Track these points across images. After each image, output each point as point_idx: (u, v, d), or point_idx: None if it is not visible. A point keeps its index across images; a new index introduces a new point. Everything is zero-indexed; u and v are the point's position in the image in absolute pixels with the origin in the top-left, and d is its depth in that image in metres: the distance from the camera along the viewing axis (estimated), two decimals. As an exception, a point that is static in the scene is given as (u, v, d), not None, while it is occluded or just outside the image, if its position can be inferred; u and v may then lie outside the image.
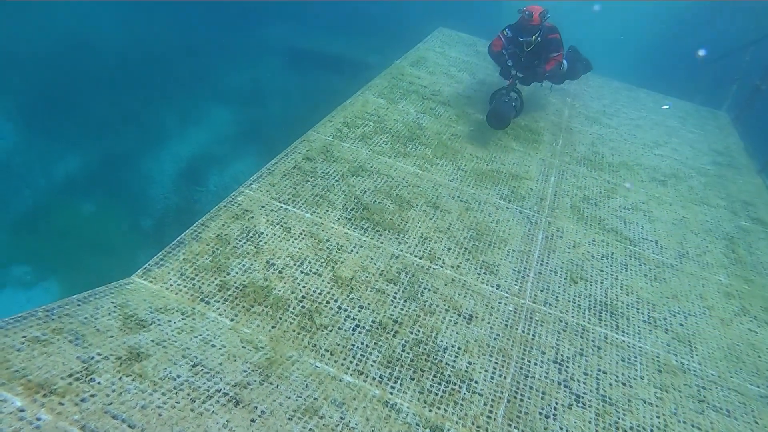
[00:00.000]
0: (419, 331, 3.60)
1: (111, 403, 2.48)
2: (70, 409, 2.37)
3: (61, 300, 3.12)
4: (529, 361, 3.61)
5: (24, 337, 2.71)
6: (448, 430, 3.04)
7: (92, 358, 2.72)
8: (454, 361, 3.47)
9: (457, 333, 3.67)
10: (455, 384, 3.33)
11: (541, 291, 4.22)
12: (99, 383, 2.57)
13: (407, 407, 3.11)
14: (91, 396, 2.48)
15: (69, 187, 7.81)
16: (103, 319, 3.05)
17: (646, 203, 5.75)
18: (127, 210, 7.73)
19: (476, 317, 3.83)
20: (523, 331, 3.83)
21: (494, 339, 3.71)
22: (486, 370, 3.48)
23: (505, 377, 3.46)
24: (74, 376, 2.56)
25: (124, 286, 3.42)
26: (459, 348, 3.57)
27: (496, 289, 4.13)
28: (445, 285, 4.02)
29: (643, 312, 4.25)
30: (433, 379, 3.32)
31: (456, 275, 4.13)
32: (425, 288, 3.94)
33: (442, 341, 3.58)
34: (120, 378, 2.65)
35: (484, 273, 4.24)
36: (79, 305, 3.11)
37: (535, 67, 6.16)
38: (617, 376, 3.66)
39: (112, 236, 7.25)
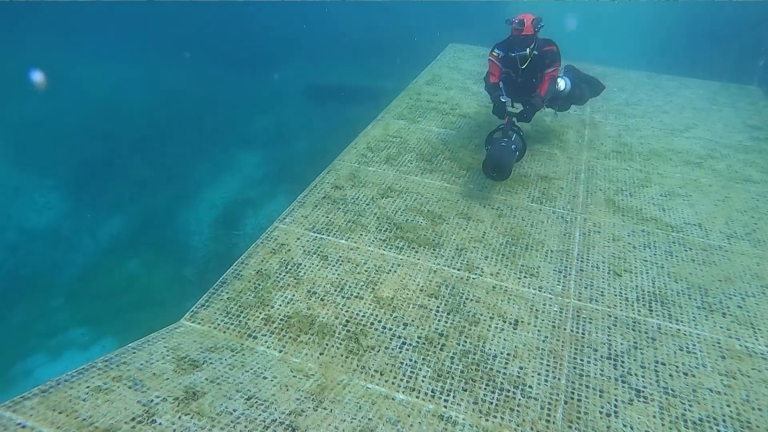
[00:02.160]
0: (466, 342, 3.58)
1: (173, 442, 2.55)
2: (135, 451, 2.45)
3: (117, 349, 3.24)
4: (581, 360, 3.54)
5: (87, 387, 2.83)
6: (507, 437, 2.99)
7: (151, 401, 2.81)
8: (505, 368, 3.43)
9: (504, 339, 3.63)
10: (509, 391, 3.28)
11: (585, 288, 4.15)
12: (160, 424, 2.66)
13: (463, 419, 3.08)
14: (154, 437, 2.56)
15: (115, 247, 8.13)
16: (158, 363, 3.16)
17: (684, 188, 5.61)
18: (170, 262, 7.98)
19: (522, 321, 3.79)
20: (572, 330, 3.75)
21: (543, 341, 3.65)
22: (539, 374, 3.42)
23: (559, 379, 3.39)
24: (137, 420, 2.65)
25: (174, 330, 3.53)
26: (508, 354, 3.53)
27: (539, 291, 4.08)
28: (487, 293, 3.99)
29: (695, 298, 4.12)
30: (485, 388, 3.28)
31: (496, 282, 4.11)
32: (467, 298, 3.93)
33: (490, 349, 3.55)
34: (179, 417, 2.73)
35: (525, 276, 4.19)
36: (134, 353, 3.23)
37: (533, 89, 5.28)
38: (677, 367, 3.54)
39: (159, 289, 7.48)
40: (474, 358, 3.47)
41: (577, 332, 3.74)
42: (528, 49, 5.06)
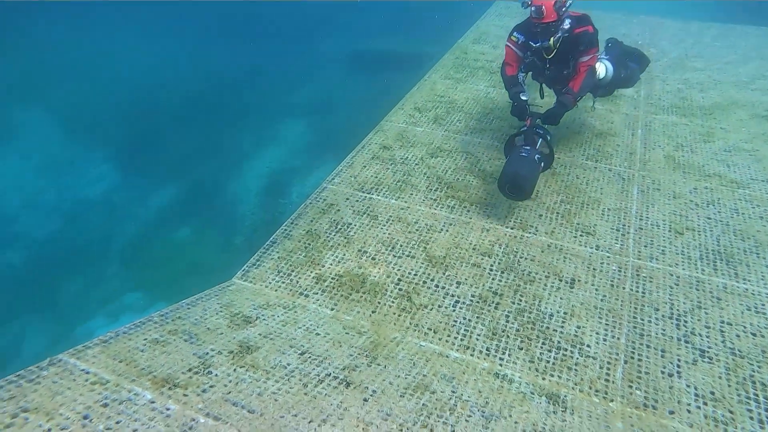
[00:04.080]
0: (521, 301, 3.47)
1: (230, 392, 2.57)
2: (193, 399, 2.48)
3: (172, 305, 3.29)
4: (642, 320, 3.37)
5: (145, 339, 2.88)
6: (565, 396, 2.89)
7: (207, 353, 2.84)
8: (562, 327, 3.31)
9: (560, 298, 3.51)
10: (566, 350, 3.17)
11: (645, 246, 3.94)
12: (216, 375, 2.68)
13: (519, 377, 2.99)
14: (211, 387, 2.59)
15: (165, 217, 8.32)
16: (212, 318, 3.19)
17: (750, 142, 5.24)
18: (219, 230, 8.11)
19: (579, 280, 3.64)
20: (632, 289, 3.59)
21: (601, 300, 3.50)
22: (597, 333, 3.28)
23: (618, 338, 3.25)
24: (193, 370, 2.68)
25: (226, 288, 3.56)
26: (565, 313, 3.40)
27: (596, 249, 3.90)
28: (542, 252, 3.85)
29: (764, 256, 3.86)
30: (542, 347, 3.18)
31: (552, 241, 3.96)
32: (521, 257, 3.80)
33: (546, 308, 3.43)
34: (234, 369, 2.74)
35: (581, 235, 4.02)
36: (188, 308, 3.28)
37: (564, 81, 4.38)
38: (745, 327, 3.33)
39: (208, 256, 7.62)
40: (529, 317, 3.36)
41: (637, 291, 3.57)
42: (552, 40, 4.11)
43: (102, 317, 6.70)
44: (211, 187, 8.80)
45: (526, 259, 3.79)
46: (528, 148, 4.09)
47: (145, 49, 11.15)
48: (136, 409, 2.34)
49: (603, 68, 4.69)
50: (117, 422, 2.25)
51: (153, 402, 2.41)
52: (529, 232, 4.03)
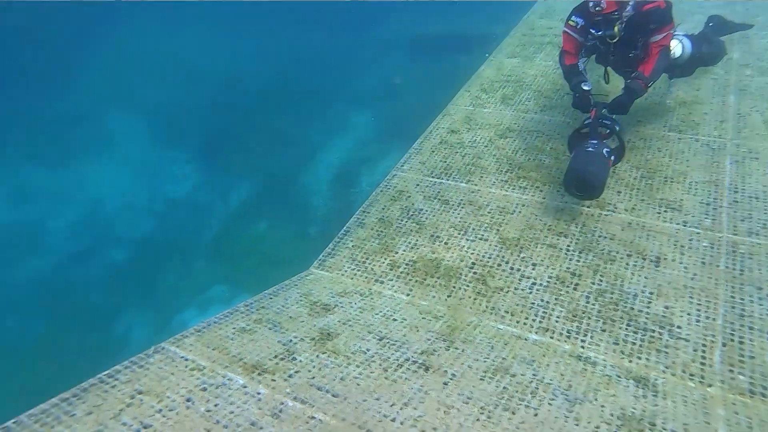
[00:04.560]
0: (602, 281, 3.36)
1: (314, 377, 2.68)
2: (281, 384, 2.60)
3: (256, 296, 3.46)
4: (742, 299, 3.16)
5: (234, 328, 3.06)
6: (655, 380, 2.77)
7: (290, 340, 2.97)
8: (648, 307, 3.17)
9: (645, 278, 3.35)
10: (654, 331, 3.03)
11: (742, 221, 3.68)
12: (300, 361, 2.80)
13: (603, 359, 2.91)
14: (296, 372, 2.71)
15: (244, 211, 8.70)
16: (293, 307, 3.32)
17: None
18: (294, 221, 8.37)
19: (665, 258, 3.46)
20: (728, 267, 3.36)
21: (692, 279, 3.31)
22: (688, 314, 3.11)
23: (714, 319, 3.07)
24: (279, 357, 2.82)
25: (305, 278, 3.69)
26: (651, 293, 3.25)
27: (684, 226, 3.69)
28: (622, 230, 3.69)
29: None
30: (627, 329, 3.06)
31: (632, 218, 3.78)
32: (600, 236, 3.66)
33: (629, 288, 3.29)
34: (317, 355, 2.85)
35: (666, 211, 3.82)
36: (271, 298, 3.43)
37: (633, 65, 3.98)
38: None
39: (286, 247, 7.90)
40: (612, 298, 3.25)
41: (734, 269, 3.35)
42: (616, 27, 3.74)
43: (193, 308, 7.14)
44: (284, 180, 9.10)
45: (605, 238, 3.65)
46: (595, 141, 3.75)
47: (217, 48, 11.62)
48: (231, 393, 2.50)
49: (679, 46, 4.30)
50: (215, 405, 2.42)
51: (245, 387, 2.56)
52: (607, 210, 3.87)
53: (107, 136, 9.15)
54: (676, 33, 4.29)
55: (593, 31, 3.85)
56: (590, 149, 3.72)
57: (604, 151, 3.73)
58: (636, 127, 4.69)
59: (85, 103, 9.54)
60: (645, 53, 3.93)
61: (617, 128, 3.90)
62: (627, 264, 3.45)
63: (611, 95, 4.07)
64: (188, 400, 2.45)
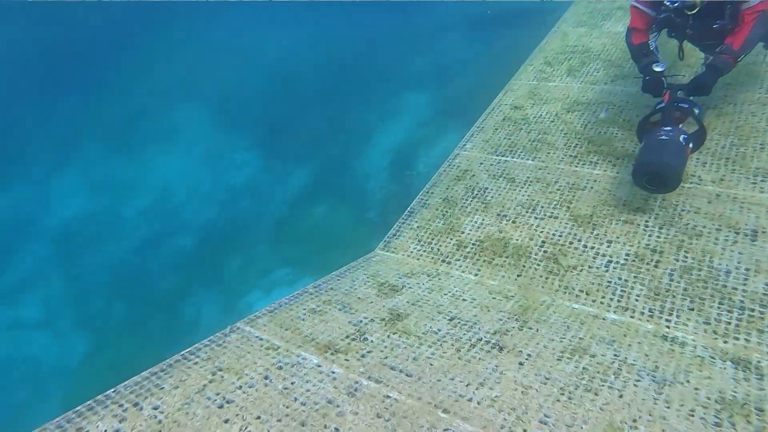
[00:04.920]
0: (687, 257, 3.15)
1: (386, 357, 2.66)
2: (354, 363, 2.60)
3: (323, 277, 3.48)
4: None
5: (304, 309, 3.09)
6: (759, 362, 2.56)
7: (360, 321, 2.96)
8: (744, 285, 2.94)
9: (739, 253, 3.11)
10: (753, 310, 2.81)
11: None
12: (372, 341, 2.79)
13: (692, 339, 2.73)
14: (369, 352, 2.70)
15: (303, 196, 8.82)
16: (361, 288, 3.32)
17: None
18: (352, 206, 8.42)
19: (763, 232, 3.20)
20: (833, 239, 3.08)
21: (797, 253, 3.05)
22: (792, 291, 2.88)
23: (821, 295, 2.82)
24: (350, 337, 2.82)
25: (370, 259, 3.68)
26: (747, 269, 3.02)
27: (784, 194, 3.40)
28: (709, 203, 3.45)
29: None
30: (719, 307, 2.86)
31: (721, 190, 3.53)
32: (683, 210, 3.44)
33: (720, 264, 3.07)
34: (388, 336, 2.83)
35: (762, 180, 3.52)
36: (338, 279, 3.44)
37: (717, 38, 3.50)
38: None
39: (345, 231, 7.96)
40: (699, 275, 3.04)
41: (841, 239, 3.07)
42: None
43: (258, 291, 7.33)
44: (341, 164, 9.15)
45: (689, 212, 3.43)
46: (668, 128, 3.32)
47: (273, 38, 11.76)
48: (306, 372, 2.52)
49: None
50: (292, 383, 2.45)
51: (320, 366, 2.57)
52: (691, 183, 3.63)
53: (173, 127, 9.48)
54: None
55: (668, 3, 3.43)
56: (664, 137, 3.29)
57: (681, 137, 3.29)
58: (724, 91, 4.33)
59: (152, 97, 9.91)
60: (734, 22, 3.42)
61: (696, 111, 3.45)
62: (716, 239, 3.22)
63: (688, 75, 3.74)
64: (266, 377, 2.50)
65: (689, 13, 3.39)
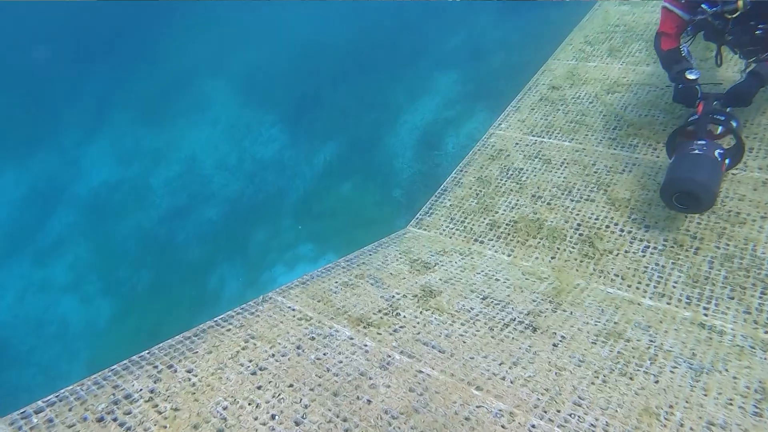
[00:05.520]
0: (728, 245, 3.08)
1: (419, 333, 2.66)
2: (387, 337, 2.61)
3: (355, 252, 3.48)
4: None
5: (336, 282, 3.09)
6: (799, 354, 2.52)
7: (393, 296, 2.96)
8: (788, 275, 2.88)
9: (783, 243, 3.04)
10: (793, 301, 2.76)
11: None
12: (404, 317, 2.79)
13: (732, 329, 2.68)
14: (401, 327, 2.70)
15: (329, 173, 8.84)
16: (393, 264, 3.31)
17: None
18: (379, 184, 8.41)
19: (806, 222, 3.12)
20: None
21: (840, 245, 2.97)
22: (838, 283, 2.80)
23: None
24: (383, 312, 2.82)
25: (402, 236, 3.67)
26: (789, 259, 2.95)
27: (828, 186, 3.30)
28: (755, 189, 3.35)
29: None
30: (762, 297, 2.80)
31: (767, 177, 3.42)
32: (726, 196, 3.35)
33: (764, 253, 3.00)
34: (421, 312, 2.83)
35: (805, 170, 3.42)
36: (370, 255, 3.44)
37: (761, 44, 3.23)
38: None
39: (371, 209, 7.97)
40: (741, 263, 2.97)
41: None
42: (741, 1, 2.98)
43: (281, 265, 7.41)
44: (369, 143, 9.13)
45: (732, 198, 3.34)
46: (703, 142, 3.02)
47: (304, 10, 11.69)
48: (339, 344, 2.54)
49: None
50: (324, 354, 2.46)
51: (352, 338, 2.58)
52: (736, 169, 3.52)
53: (202, 101, 9.53)
54: None
55: (706, 6, 3.12)
56: (697, 151, 2.99)
57: (716, 153, 2.99)
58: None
59: (180, 70, 9.95)
60: None
61: (735, 124, 3.12)
62: (761, 227, 3.14)
63: (725, 83, 3.45)
64: (298, 347, 2.51)
65: (730, 17, 3.09)
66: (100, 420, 2.03)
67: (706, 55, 4.29)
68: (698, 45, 3.97)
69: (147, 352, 2.47)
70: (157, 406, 2.10)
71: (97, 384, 2.25)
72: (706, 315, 2.78)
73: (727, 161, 3.06)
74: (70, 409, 2.10)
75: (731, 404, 2.19)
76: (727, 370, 2.39)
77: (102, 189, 7.98)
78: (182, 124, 9.01)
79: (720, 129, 3.16)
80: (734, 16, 3.07)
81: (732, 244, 3.07)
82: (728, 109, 3.18)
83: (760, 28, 3.14)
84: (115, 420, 2.04)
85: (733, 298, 2.81)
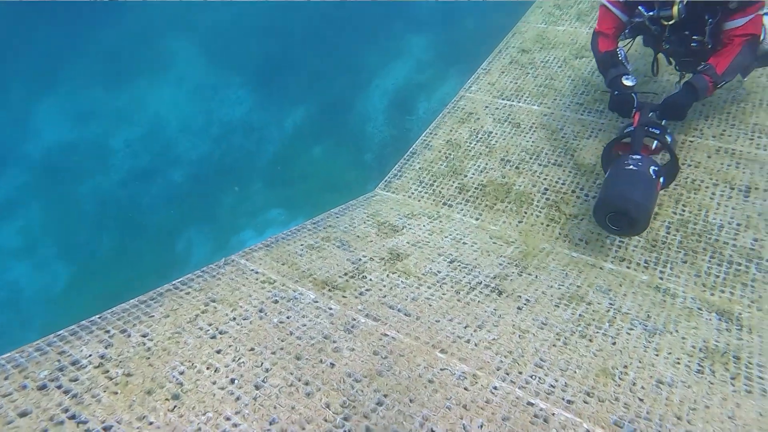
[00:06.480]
0: (684, 211, 3.16)
1: (385, 296, 2.66)
2: (352, 301, 2.61)
3: (322, 214, 3.45)
4: (841, 233, 2.92)
5: (302, 244, 3.06)
6: (740, 314, 2.63)
7: (360, 259, 2.95)
8: (735, 240, 2.98)
9: (732, 208, 3.14)
10: (740, 264, 2.87)
11: None
12: (371, 280, 2.78)
13: (683, 291, 2.78)
14: (367, 290, 2.70)
15: (299, 136, 8.68)
16: (360, 227, 3.29)
17: None
18: (350, 148, 8.31)
19: (756, 188, 3.21)
20: (829, 199, 3.09)
21: (787, 211, 3.07)
22: (780, 247, 2.91)
23: (809, 253, 2.85)
24: (349, 275, 2.81)
25: (371, 198, 3.64)
26: (738, 224, 3.05)
27: (781, 153, 3.39)
28: (708, 157, 3.43)
29: None
30: (710, 261, 2.90)
31: (720, 144, 3.50)
32: (683, 163, 3.42)
33: (714, 219, 3.09)
34: (387, 275, 2.83)
35: (759, 136, 3.51)
36: (337, 217, 3.41)
37: (699, 56, 3.10)
38: None
39: (341, 173, 7.89)
40: (695, 228, 3.06)
41: (836, 200, 3.08)
42: (676, 8, 2.84)
43: (251, 230, 7.32)
44: (339, 106, 8.97)
45: (689, 165, 3.41)
46: (637, 157, 2.83)
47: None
48: (303, 307, 2.52)
49: (765, 27, 3.11)
50: (287, 317, 2.45)
51: (316, 301, 2.57)
52: (693, 136, 3.59)
53: (164, 59, 9.15)
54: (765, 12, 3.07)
55: (642, 10, 2.99)
56: (631, 167, 2.80)
57: (651, 169, 2.80)
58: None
59: (140, 26, 9.51)
60: (714, 41, 3.01)
61: (669, 139, 2.96)
62: (713, 193, 3.23)
63: (663, 92, 3.36)
64: (261, 311, 2.49)
65: (666, 24, 2.97)
66: (43, 388, 1.94)
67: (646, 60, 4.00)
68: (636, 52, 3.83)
69: (98, 316, 2.37)
70: (107, 371, 2.04)
71: (39, 350, 2.16)
72: (661, 278, 2.87)
73: (661, 180, 2.88)
74: (6, 378, 1.99)
75: (678, 363, 2.28)
76: (677, 331, 2.48)
77: (56, 149, 7.66)
78: (143, 83, 8.66)
79: (655, 143, 2.99)
80: (670, 23, 2.95)
81: (687, 210, 3.15)
82: (663, 122, 3.05)
83: (695, 40, 3.05)
84: (59, 387, 1.95)
85: (686, 262, 2.90)
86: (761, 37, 3.04)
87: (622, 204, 2.70)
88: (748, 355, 2.37)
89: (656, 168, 2.83)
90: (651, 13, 2.96)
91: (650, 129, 2.93)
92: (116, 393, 1.94)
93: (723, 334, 2.50)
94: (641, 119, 2.98)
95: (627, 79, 3.04)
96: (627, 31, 3.25)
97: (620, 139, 3.01)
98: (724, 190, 3.24)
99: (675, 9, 2.84)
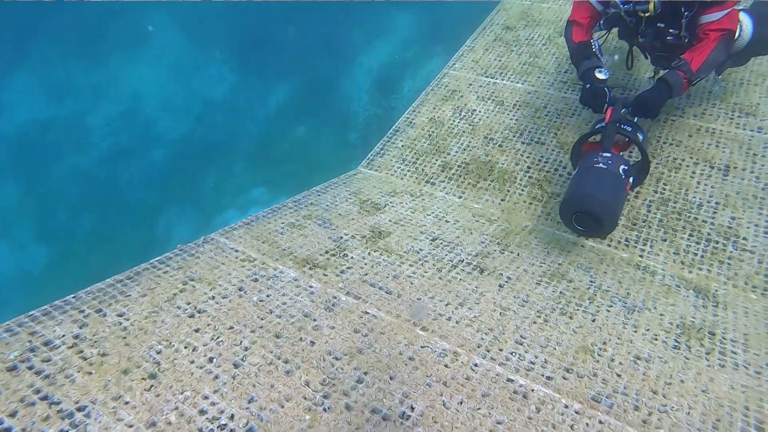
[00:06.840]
0: (665, 189, 3.18)
1: (366, 274, 2.65)
2: (333, 279, 2.59)
3: (303, 192, 3.41)
4: (817, 211, 2.96)
5: (283, 223, 3.03)
6: (716, 290, 2.67)
7: (341, 237, 2.93)
8: (713, 218, 3.01)
9: (711, 187, 3.16)
10: (717, 242, 2.91)
11: (825, 128, 3.38)
12: (352, 258, 2.77)
13: (662, 269, 2.81)
14: (348, 268, 2.68)
15: (283, 115, 8.56)
16: (342, 205, 3.26)
17: None
18: (334, 127, 8.23)
19: (735, 167, 3.24)
20: (805, 178, 3.13)
21: (762, 189, 3.11)
22: (756, 225, 2.96)
23: (784, 231, 2.89)
24: (330, 253, 2.79)
25: (353, 177, 3.61)
26: (717, 203, 3.08)
27: (758, 132, 3.42)
28: (689, 136, 3.45)
29: None
30: (689, 239, 2.93)
31: (701, 123, 3.52)
32: (665, 142, 3.44)
33: (694, 197, 3.11)
34: (369, 253, 2.81)
35: (739, 116, 3.53)
36: (319, 195, 3.38)
37: (674, 51, 3.01)
38: None
39: (325, 153, 7.82)
40: (674, 207, 3.08)
41: (812, 179, 3.12)
42: (652, 3, 2.78)
43: (233, 210, 7.24)
44: (324, 85, 8.85)
45: (670, 144, 3.42)
46: (607, 155, 2.73)
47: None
48: (283, 285, 2.50)
49: (746, 24, 3.08)
50: (267, 295, 2.43)
51: (297, 280, 2.55)
52: (675, 115, 3.60)
53: (142, 34, 8.91)
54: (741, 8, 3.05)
55: (618, 1, 2.91)
56: (601, 165, 2.70)
57: (621, 169, 2.70)
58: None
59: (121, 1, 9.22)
60: (690, 36, 2.93)
61: (641, 137, 2.84)
62: (693, 172, 3.25)
63: (638, 87, 3.30)
64: (240, 289, 2.46)
65: (643, 16, 2.89)
66: (12, 369, 1.90)
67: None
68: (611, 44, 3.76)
69: (72, 296, 2.32)
70: (82, 352, 2.01)
71: (9, 331, 2.10)
72: (641, 256, 2.89)
73: (631, 179, 2.77)
74: (-30, 360, 1.93)
75: (656, 339, 2.31)
76: (655, 308, 2.51)
77: (30, 127, 7.46)
78: (122, 59, 8.44)
79: (626, 140, 2.91)
80: (647, 15, 2.88)
81: (668, 189, 3.17)
82: (635, 119, 2.93)
83: (671, 34, 2.96)
84: (30, 368, 1.91)
85: (665, 240, 2.93)
86: (736, 34, 3.00)
87: (589, 204, 2.62)
88: (723, 331, 2.41)
89: (626, 167, 2.74)
90: (627, 6, 2.89)
91: (622, 126, 2.83)
92: (91, 373, 1.91)
93: (699, 311, 2.54)
94: (613, 116, 2.87)
95: (600, 71, 2.95)
96: (602, 22, 3.15)
97: (591, 134, 2.93)
98: (704, 169, 3.27)
99: (651, 4, 2.78)
